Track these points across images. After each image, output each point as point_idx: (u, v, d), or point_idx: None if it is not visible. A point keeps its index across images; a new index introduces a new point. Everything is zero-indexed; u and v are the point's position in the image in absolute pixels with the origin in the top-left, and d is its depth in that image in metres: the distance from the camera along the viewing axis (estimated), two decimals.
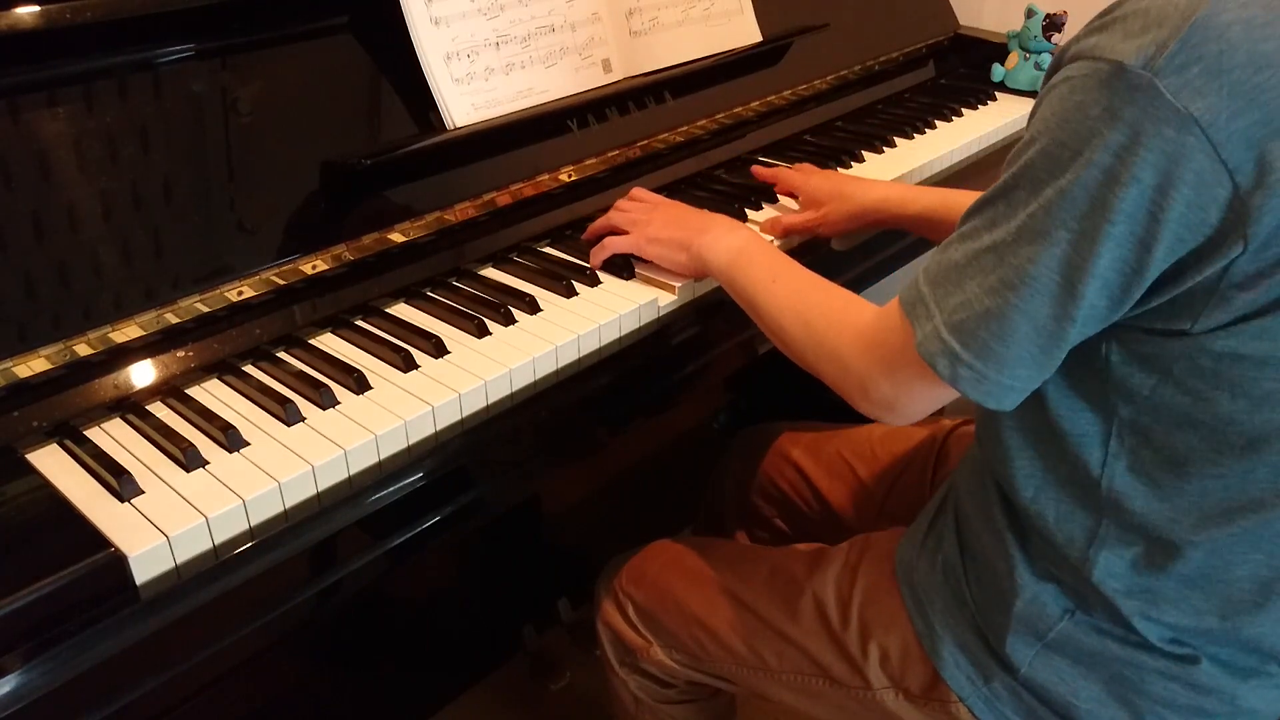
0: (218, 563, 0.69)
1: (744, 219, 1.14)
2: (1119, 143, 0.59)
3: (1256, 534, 0.71)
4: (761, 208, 1.16)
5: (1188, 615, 0.75)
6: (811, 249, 1.12)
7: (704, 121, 1.24)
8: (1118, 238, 0.61)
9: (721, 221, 0.98)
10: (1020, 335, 0.66)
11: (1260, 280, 0.61)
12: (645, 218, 1.01)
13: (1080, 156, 0.61)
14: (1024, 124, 1.52)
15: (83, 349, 0.78)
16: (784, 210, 1.16)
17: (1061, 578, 0.79)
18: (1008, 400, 0.69)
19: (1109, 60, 0.59)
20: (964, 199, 1.05)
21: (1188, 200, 0.59)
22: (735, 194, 1.18)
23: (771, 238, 1.09)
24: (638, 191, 1.08)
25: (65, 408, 0.77)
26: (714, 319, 1.00)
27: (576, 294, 0.97)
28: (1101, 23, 0.62)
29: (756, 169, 1.20)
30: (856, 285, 1.25)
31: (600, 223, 1.05)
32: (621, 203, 1.06)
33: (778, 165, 1.21)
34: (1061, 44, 0.66)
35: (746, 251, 0.93)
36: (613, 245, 1.01)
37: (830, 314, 0.82)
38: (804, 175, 1.15)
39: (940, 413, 0.92)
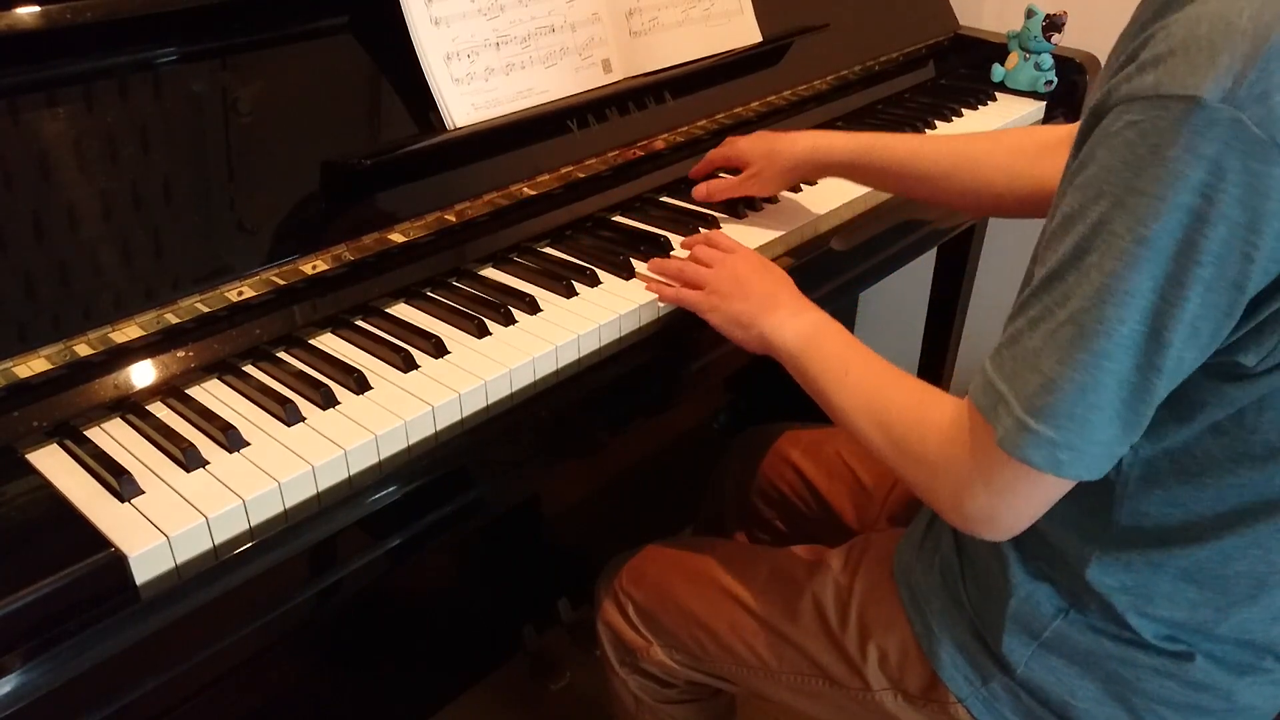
0: (218, 563, 0.69)
1: (743, 218, 1.14)
2: (1203, 181, 0.56)
3: (1261, 532, 0.71)
4: (761, 208, 1.16)
5: (1182, 609, 0.75)
6: (810, 249, 1.12)
7: (704, 121, 1.24)
8: (1207, 281, 0.58)
9: (790, 299, 0.91)
10: (1109, 395, 0.62)
11: None
12: (714, 276, 0.94)
13: (1164, 201, 0.57)
14: (1023, 123, 1.53)
15: (83, 349, 0.78)
16: (781, 210, 1.16)
17: (1055, 577, 0.79)
18: (1104, 467, 0.65)
19: (1180, 96, 0.56)
20: (893, 139, 1.08)
21: (1276, 233, 0.57)
22: (735, 195, 1.17)
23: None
24: (715, 235, 1.03)
25: (65, 408, 0.77)
26: None
27: (576, 294, 0.97)
28: (1150, 58, 0.59)
29: (694, 172, 1.18)
30: (857, 285, 1.25)
31: (674, 267, 0.98)
32: (700, 250, 0.98)
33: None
34: (1095, 92, 0.62)
35: (815, 340, 0.86)
36: (683, 300, 0.95)
37: (907, 413, 0.75)
38: (732, 146, 1.14)
39: None
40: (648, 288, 0.98)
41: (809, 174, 1.14)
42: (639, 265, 1.01)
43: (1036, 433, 0.63)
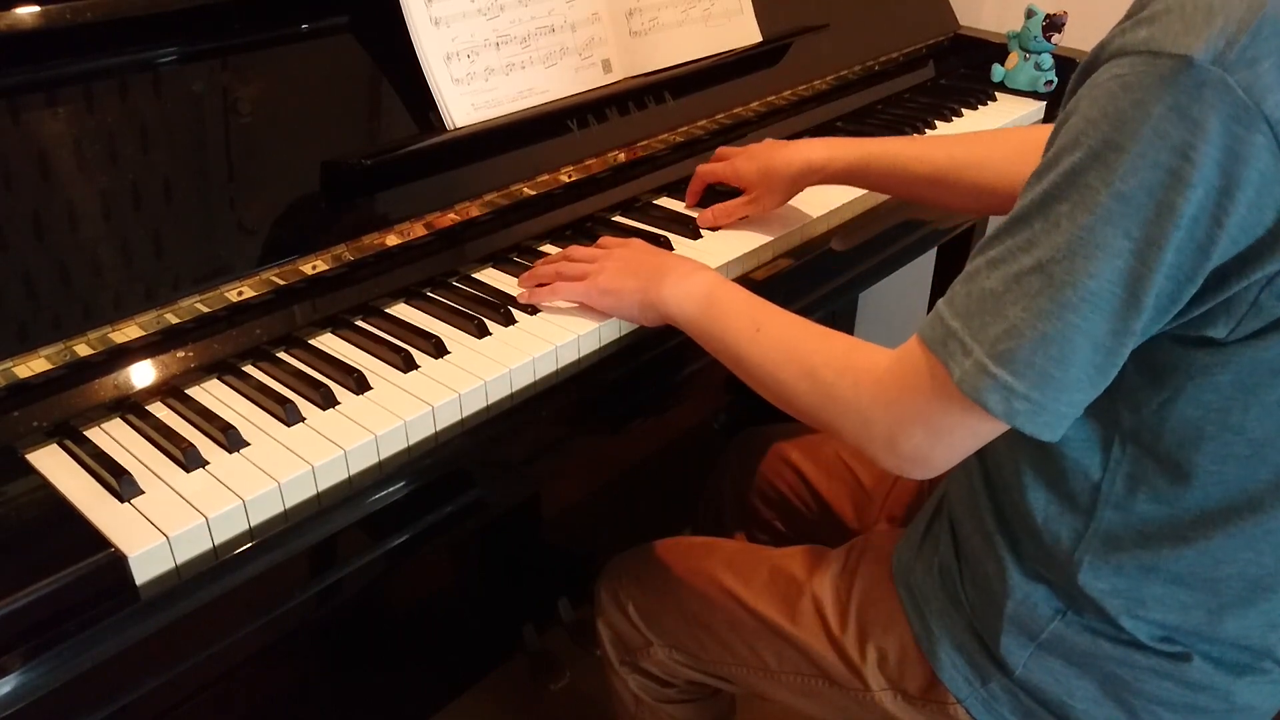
0: (218, 563, 0.69)
1: (742, 218, 1.13)
2: (1184, 141, 0.56)
3: (1250, 533, 0.71)
4: None
5: (1174, 612, 0.75)
6: (810, 250, 1.12)
7: (704, 122, 1.24)
8: (1179, 243, 0.58)
9: (679, 265, 0.90)
10: (1079, 357, 0.61)
11: None
12: (598, 266, 0.92)
13: (1143, 158, 0.57)
14: (1023, 123, 1.53)
15: (83, 349, 0.78)
16: (780, 211, 1.15)
17: (1051, 578, 0.79)
18: (1060, 429, 0.64)
19: (1171, 54, 0.56)
20: (892, 145, 1.05)
21: (1249, 202, 0.57)
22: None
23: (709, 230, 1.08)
24: (603, 240, 1.00)
25: (65, 408, 0.77)
26: None
27: None
28: (1147, 15, 0.58)
29: (689, 193, 1.15)
30: (857, 285, 1.25)
31: (548, 270, 0.95)
32: (575, 249, 0.98)
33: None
34: (1098, 43, 0.62)
35: (716, 300, 0.84)
36: (562, 291, 0.93)
37: (835, 361, 0.74)
38: (729, 166, 1.11)
39: None
40: (520, 298, 0.94)
41: (810, 184, 1.10)
42: None
43: (996, 377, 0.63)
